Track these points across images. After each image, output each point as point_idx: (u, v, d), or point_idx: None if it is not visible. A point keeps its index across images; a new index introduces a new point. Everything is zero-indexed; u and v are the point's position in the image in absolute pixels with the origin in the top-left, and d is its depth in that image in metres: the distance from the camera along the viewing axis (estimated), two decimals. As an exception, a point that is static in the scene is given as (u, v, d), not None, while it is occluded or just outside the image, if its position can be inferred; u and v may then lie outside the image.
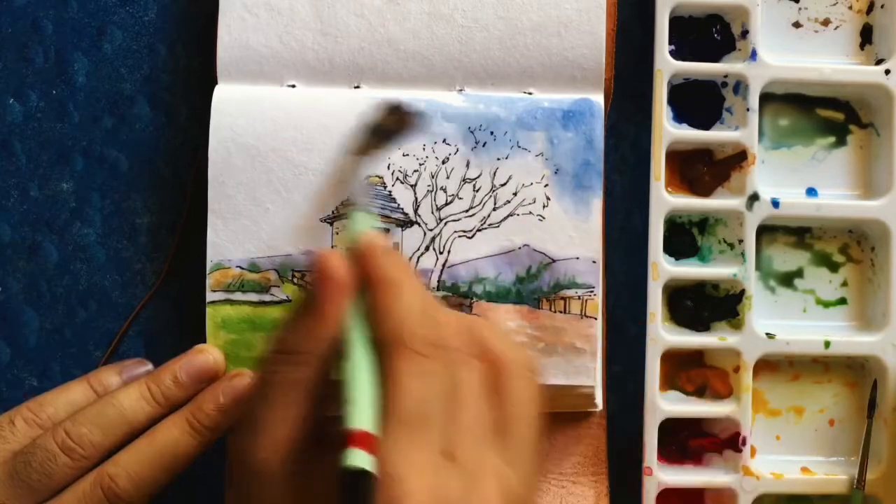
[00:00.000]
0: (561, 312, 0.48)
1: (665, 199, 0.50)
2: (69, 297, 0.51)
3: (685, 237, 0.52)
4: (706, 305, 0.51)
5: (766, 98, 0.51)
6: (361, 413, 0.36)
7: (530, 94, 0.49)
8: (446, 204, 0.48)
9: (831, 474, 0.51)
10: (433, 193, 0.48)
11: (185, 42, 0.52)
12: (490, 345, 0.39)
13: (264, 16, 0.49)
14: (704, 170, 0.51)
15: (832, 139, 0.52)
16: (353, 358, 0.38)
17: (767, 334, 0.50)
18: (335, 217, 0.48)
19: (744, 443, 0.50)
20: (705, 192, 0.51)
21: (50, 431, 0.44)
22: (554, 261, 0.48)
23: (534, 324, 0.48)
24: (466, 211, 0.48)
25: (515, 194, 0.48)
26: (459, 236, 0.48)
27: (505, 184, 0.48)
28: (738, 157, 0.51)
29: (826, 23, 0.52)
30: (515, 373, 0.39)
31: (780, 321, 0.52)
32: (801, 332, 0.51)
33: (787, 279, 0.52)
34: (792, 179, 0.52)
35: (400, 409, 0.36)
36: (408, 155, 0.48)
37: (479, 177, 0.48)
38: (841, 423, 0.52)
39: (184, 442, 0.44)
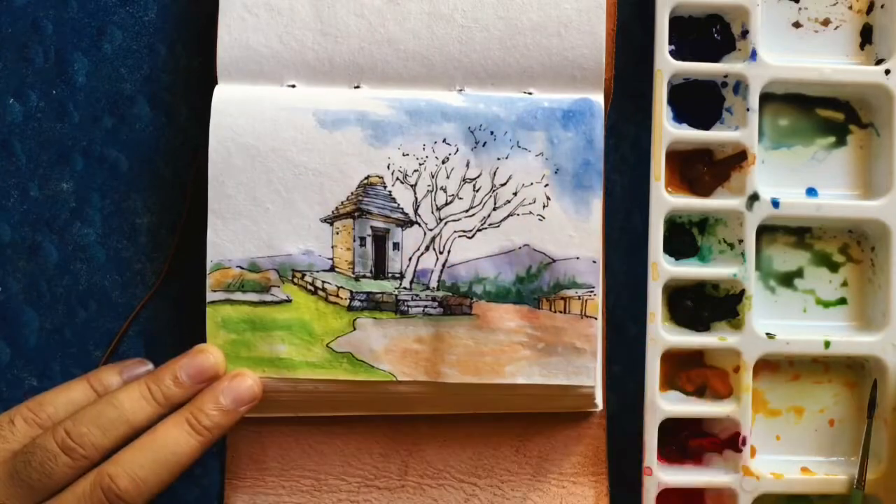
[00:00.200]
0: (561, 312, 0.48)
1: (665, 199, 0.50)
2: (69, 297, 0.51)
3: (685, 237, 0.52)
4: (706, 305, 0.51)
5: (766, 98, 0.51)
6: None
7: (530, 94, 0.49)
8: (446, 204, 0.48)
9: (831, 474, 0.51)
10: (433, 193, 0.48)
11: (185, 42, 0.52)
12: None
13: (264, 16, 0.49)
14: (704, 170, 0.51)
15: (832, 139, 0.52)
16: None
17: (767, 334, 0.50)
18: (335, 217, 0.48)
19: (744, 443, 0.50)
20: (705, 192, 0.51)
21: (50, 431, 0.44)
22: (554, 261, 0.48)
23: (534, 324, 0.48)
24: (466, 211, 0.48)
25: (515, 194, 0.48)
26: (459, 236, 0.48)
27: (505, 184, 0.48)
28: (738, 157, 0.51)
29: (826, 23, 0.52)
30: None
31: (780, 321, 0.52)
32: (801, 332, 0.51)
33: (787, 279, 0.52)
34: (792, 179, 0.52)
35: None
36: (408, 155, 0.48)
37: (479, 177, 0.48)
38: (841, 423, 0.52)
39: (184, 442, 0.44)
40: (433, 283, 0.48)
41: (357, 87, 0.49)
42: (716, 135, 0.51)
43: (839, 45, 0.52)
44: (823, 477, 0.51)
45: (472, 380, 0.48)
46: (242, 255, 0.48)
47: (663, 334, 0.50)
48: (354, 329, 0.48)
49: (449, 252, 0.48)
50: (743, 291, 0.50)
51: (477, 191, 0.48)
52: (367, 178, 0.48)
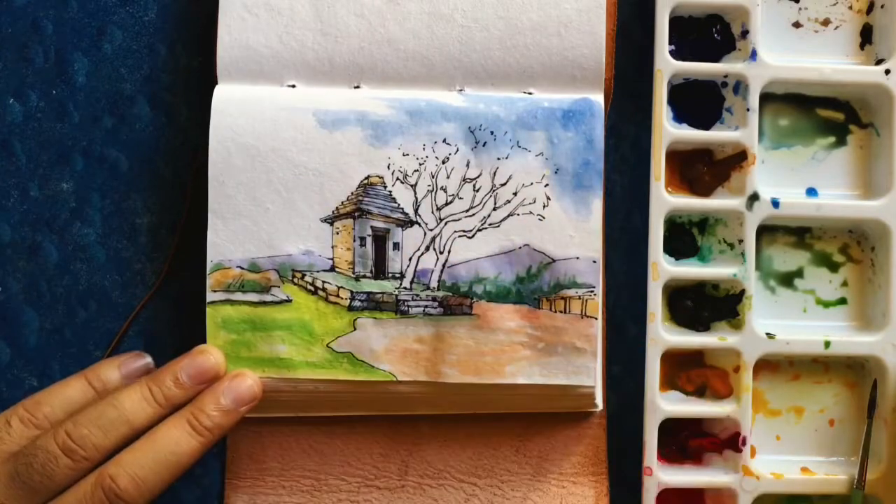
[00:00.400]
0: (561, 312, 0.48)
1: (665, 199, 0.50)
2: (69, 297, 0.51)
3: (685, 237, 0.52)
4: (706, 305, 0.51)
5: (766, 98, 0.51)
6: None
7: (530, 93, 0.49)
8: (446, 204, 0.48)
9: (831, 474, 0.51)
10: (433, 193, 0.48)
11: (185, 42, 0.52)
12: None
13: (264, 16, 0.49)
14: (704, 170, 0.51)
15: (832, 139, 0.52)
16: None
17: (767, 334, 0.50)
18: (335, 217, 0.48)
19: (744, 443, 0.50)
20: (705, 192, 0.51)
21: (51, 433, 0.44)
22: (554, 261, 0.48)
23: (534, 324, 0.48)
24: (466, 211, 0.48)
25: (515, 194, 0.48)
26: (459, 236, 0.48)
27: (505, 184, 0.48)
28: (738, 157, 0.51)
29: (826, 23, 0.52)
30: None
31: (780, 321, 0.52)
32: (801, 332, 0.51)
33: (787, 279, 0.52)
34: (792, 179, 0.52)
35: None
36: (408, 155, 0.48)
37: (479, 177, 0.48)
38: (841, 423, 0.52)
39: (184, 442, 0.44)
40: (433, 283, 0.48)
41: (357, 87, 0.49)
42: (716, 135, 0.51)
43: (839, 45, 0.52)
44: (823, 477, 0.51)
45: (473, 380, 0.48)
46: (242, 255, 0.48)
47: (663, 334, 0.50)
48: (355, 329, 0.48)
49: (449, 252, 0.48)
50: (743, 291, 0.50)
51: (477, 191, 0.48)
52: (367, 178, 0.48)
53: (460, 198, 0.48)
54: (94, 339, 0.51)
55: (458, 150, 0.48)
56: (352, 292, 0.48)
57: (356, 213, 0.48)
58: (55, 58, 0.51)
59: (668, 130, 0.50)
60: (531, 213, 0.48)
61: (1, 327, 0.51)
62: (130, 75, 0.51)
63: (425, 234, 0.48)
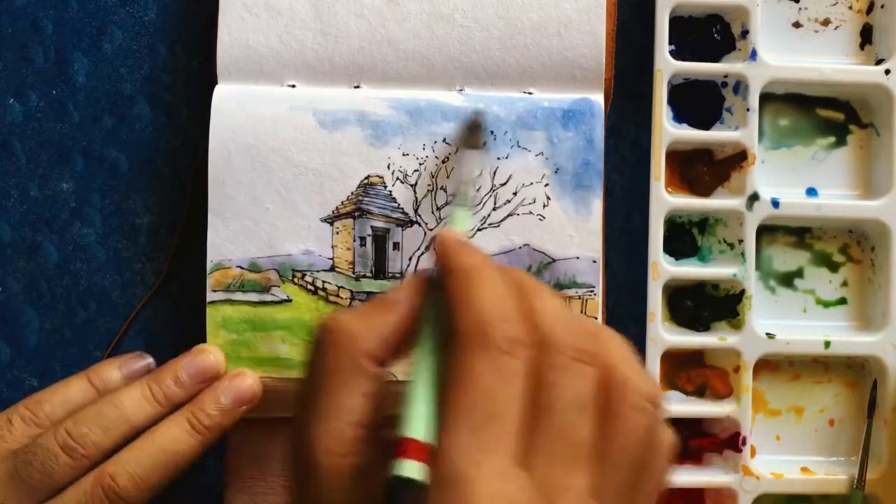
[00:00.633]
0: (561, 312, 0.48)
1: (665, 199, 0.50)
2: (69, 297, 0.51)
3: (685, 237, 0.52)
4: (706, 305, 0.51)
5: (766, 98, 0.51)
6: (418, 421, 0.33)
7: (530, 93, 0.49)
8: (446, 204, 0.48)
9: (831, 474, 0.51)
10: (433, 193, 0.48)
11: (185, 42, 0.52)
12: (611, 356, 0.33)
13: (264, 16, 0.49)
14: (704, 170, 0.51)
15: (832, 139, 0.52)
16: (420, 358, 0.35)
17: (767, 334, 0.50)
18: (335, 217, 0.48)
19: (744, 443, 0.50)
20: (705, 192, 0.51)
21: (51, 431, 0.44)
22: (554, 260, 0.48)
23: (534, 324, 0.48)
24: (466, 211, 0.48)
25: (515, 194, 0.48)
26: (459, 236, 0.48)
27: (505, 183, 0.48)
28: (738, 157, 0.51)
29: (826, 23, 0.52)
30: (634, 399, 0.33)
31: (780, 321, 0.52)
32: (801, 332, 0.51)
33: (787, 279, 0.52)
34: (792, 179, 0.52)
35: (465, 409, 0.31)
36: (408, 155, 0.48)
37: (478, 176, 0.48)
38: (841, 423, 0.52)
39: (184, 442, 0.44)
40: (433, 283, 0.48)
41: (357, 87, 0.49)
42: (716, 135, 0.51)
43: (839, 45, 0.52)
44: (823, 477, 0.51)
45: (473, 380, 0.48)
46: (242, 255, 0.48)
47: (663, 334, 0.50)
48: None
49: (449, 252, 0.48)
50: (743, 291, 0.50)
51: (477, 190, 0.48)
52: (367, 177, 0.48)
53: (460, 198, 0.48)
54: (94, 339, 0.51)
55: (458, 149, 0.48)
56: (352, 292, 0.48)
57: (356, 213, 0.48)
58: (55, 58, 0.51)
59: (668, 130, 0.50)
60: (531, 212, 0.48)
61: (1, 327, 0.51)
62: (130, 75, 0.51)
63: (425, 233, 0.48)
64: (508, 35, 0.49)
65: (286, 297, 0.48)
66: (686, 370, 0.51)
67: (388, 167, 0.48)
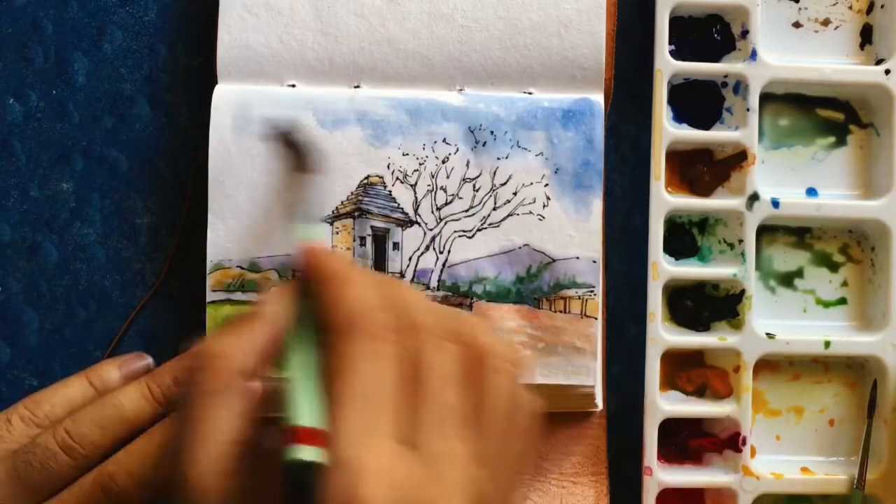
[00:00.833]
0: (561, 312, 0.48)
1: (665, 199, 0.50)
2: (69, 297, 0.51)
3: (685, 237, 0.52)
4: (706, 305, 0.51)
5: (766, 98, 0.51)
6: (304, 409, 0.35)
7: (530, 93, 0.49)
8: (446, 204, 0.48)
9: (831, 474, 0.51)
10: (433, 193, 0.48)
11: (185, 42, 0.52)
12: (471, 332, 0.36)
13: (264, 16, 0.49)
14: (704, 170, 0.51)
15: (832, 139, 0.52)
16: (294, 359, 0.37)
17: (767, 334, 0.50)
18: (335, 217, 0.48)
19: (744, 443, 0.50)
20: (705, 192, 0.51)
21: (50, 430, 0.44)
22: (554, 260, 0.48)
23: (534, 323, 0.48)
24: (466, 211, 0.48)
25: (515, 194, 0.48)
26: (459, 236, 0.48)
27: (505, 183, 0.48)
28: (738, 157, 0.51)
29: (826, 23, 0.52)
30: (496, 365, 0.36)
31: (780, 321, 0.52)
32: (801, 332, 0.51)
33: (787, 279, 0.52)
34: (792, 179, 0.52)
35: (350, 395, 0.34)
36: (408, 154, 0.48)
37: (479, 176, 0.48)
38: (841, 423, 0.52)
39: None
40: (433, 283, 0.48)
41: (357, 86, 0.49)
42: (716, 135, 0.51)
43: (839, 45, 0.52)
44: (823, 477, 0.51)
45: (472, 380, 0.48)
46: (242, 255, 0.48)
47: (663, 334, 0.50)
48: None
49: (449, 252, 0.48)
50: (743, 291, 0.50)
51: (477, 190, 0.48)
52: (367, 177, 0.48)
53: (460, 198, 0.48)
54: (94, 339, 0.51)
55: (457, 149, 0.48)
56: (352, 292, 0.48)
57: (356, 213, 0.48)
58: (55, 58, 0.51)
59: (668, 130, 0.50)
60: (531, 212, 0.48)
61: (1, 327, 0.51)
62: (130, 75, 0.51)
63: (425, 233, 0.48)
64: (508, 35, 0.49)
65: (286, 297, 0.48)
66: (686, 370, 0.51)
67: (388, 167, 0.48)
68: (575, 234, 0.48)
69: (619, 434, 0.51)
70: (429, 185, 0.48)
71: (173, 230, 0.51)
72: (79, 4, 0.51)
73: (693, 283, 0.51)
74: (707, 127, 0.51)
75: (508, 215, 0.48)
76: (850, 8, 0.52)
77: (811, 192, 0.52)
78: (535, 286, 0.48)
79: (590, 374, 0.48)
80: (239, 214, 0.48)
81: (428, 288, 0.48)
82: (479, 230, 0.48)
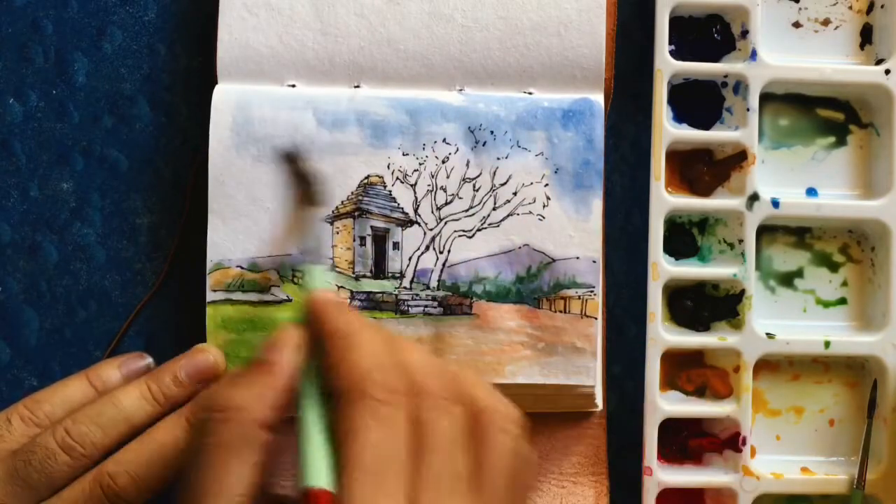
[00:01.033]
0: (561, 312, 0.48)
1: (665, 199, 0.50)
2: (69, 297, 0.51)
3: (685, 237, 0.52)
4: (706, 305, 0.51)
5: (766, 98, 0.51)
6: (316, 470, 0.35)
7: (530, 93, 0.49)
8: (446, 203, 0.48)
9: (831, 474, 0.51)
10: (433, 193, 0.48)
11: (185, 42, 0.52)
12: (473, 392, 0.37)
13: (264, 15, 0.49)
14: (704, 170, 0.51)
15: (832, 139, 0.52)
16: (306, 414, 0.37)
17: (767, 334, 0.50)
18: (335, 217, 0.48)
19: (744, 443, 0.50)
20: (705, 192, 0.51)
21: (50, 430, 0.44)
22: (554, 260, 0.48)
23: (534, 323, 0.48)
24: (466, 210, 0.48)
25: (515, 194, 0.48)
26: (459, 236, 0.48)
27: (505, 183, 0.48)
28: (738, 157, 0.51)
29: (826, 23, 0.52)
30: (498, 424, 0.37)
31: (780, 321, 0.52)
32: (801, 332, 0.51)
33: (787, 279, 0.52)
34: (792, 179, 0.52)
35: (359, 460, 0.34)
36: (408, 154, 0.48)
37: (479, 176, 0.48)
38: (841, 423, 0.52)
39: (184, 441, 0.44)
40: (433, 283, 0.48)
41: (357, 86, 0.49)
42: (716, 135, 0.51)
43: (839, 45, 0.52)
44: (823, 477, 0.51)
45: (472, 380, 0.48)
46: (242, 255, 0.48)
47: (663, 334, 0.50)
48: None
49: (449, 252, 0.48)
50: (743, 291, 0.50)
51: (477, 190, 0.48)
52: (367, 177, 0.48)
53: (460, 197, 0.48)
54: (94, 339, 0.51)
55: (457, 149, 0.48)
56: (352, 292, 0.48)
57: (356, 213, 0.48)
58: (55, 58, 0.51)
59: (668, 130, 0.50)
60: (531, 212, 0.48)
61: (1, 327, 0.51)
62: (130, 75, 0.51)
63: (425, 233, 0.48)
64: (508, 35, 0.49)
65: (286, 297, 0.48)
66: (686, 370, 0.51)
67: (388, 167, 0.48)
68: (575, 234, 0.48)
69: (619, 434, 0.51)
70: (429, 185, 0.48)
71: (173, 230, 0.51)
72: (79, 4, 0.51)
73: (693, 283, 0.51)
74: (707, 127, 0.51)
75: (508, 215, 0.48)
76: (850, 8, 0.52)
77: (811, 192, 0.52)
78: (535, 286, 0.48)
79: (590, 374, 0.48)
80: (239, 214, 0.48)
81: (428, 288, 0.48)
82: (479, 230, 0.48)
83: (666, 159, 0.50)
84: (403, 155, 0.48)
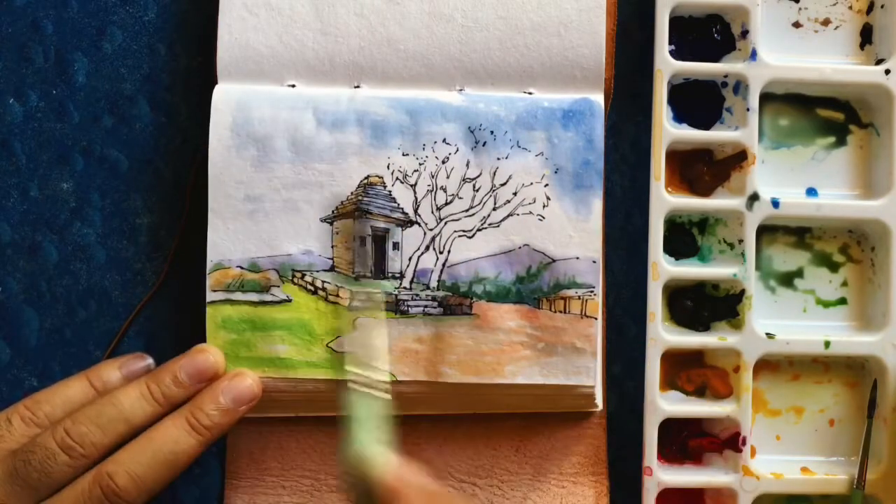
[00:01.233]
0: (561, 312, 0.48)
1: (665, 199, 0.50)
2: (69, 297, 0.51)
3: (685, 237, 0.52)
4: (706, 305, 0.51)
5: (766, 98, 0.51)
6: None
7: (530, 93, 0.49)
8: (446, 204, 0.48)
9: (831, 474, 0.51)
10: (433, 193, 0.48)
11: (185, 42, 0.52)
12: None
13: (264, 15, 0.49)
14: (704, 170, 0.51)
15: (832, 139, 0.52)
16: None
17: (767, 334, 0.50)
18: (335, 217, 0.48)
19: (744, 443, 0.50)
20: (705, 192, 0.51)
21: (50, 430, 0.44)
22: (554, 260, 0.48)
23: (534, 323, 0.48)
24: (466, 211, 0.48)
25: (515, 194, 0.48)
26: (459, 236, 0.48)
27: (505, 183, 0.48)
28: (738, 157, 0.51)
29: (826, 23, 0.52)
30: None
31: (780, 321, 0.52)
32: (801, 332, 0.51)
33: (787, 279, 0.52)
34: (792, 179, 0.52)
35: None
36: (408, 155, 0.48)
37: (479, 176, 0.48)
38: (841, 423, 0.52)
39: (183, 441, 0.44)
40: (433, 283, 0.48)
41: (357, 86, 0.49)
42: (716, 135, 0.51)
43: (839, 45, 0.52)
44: (823, 477, 0.51)
45: (473, 380, 0.48)
46: (242, 255, 0.48)
47: (663, 334, 0.50)
48: (354, 329, 0.48)
49: (449, 252, 0.48)
50: (743, 291, 0.50)
51: (477, 190, 0.48)
52: (367, 177, 0.48)
53: (460, 198, 0.48)
54: (94, 339, 0.51)
55: (457, 149, 0.48)
56: (352, 292, 0.48)
57: (356, 213, 0.48)
58: (55, 58, 0.51)
59: (668, 130, 0.50)
60: (531, 212, 0.48)
61: (1, 327, 0.51)
62: (130, 75, 0.51)
63: (425, 233, 0.48)
64: (508, 35, 0.49)
65: (286, 297, 0.48)
66: (686, 370, 0.51)
67: (388, 167, 0.48)
68: (575, 234, 0.48)
69: (619, 434, 0.51)
70: (429, 185, 0.48)
71: (173, 230, 0.51)
72: (79, 4, 0.51)
73: (693, 283, 0.51)
74: (707, 127, 0.51)
75: (508, 215, 0.48)
76: (850, 8, 0.52)
77: (811, 192, 0.52)
78: (535, 286, 0.48)
79: (590, 374, 0.48)
80: (239, 214, 0.48)
81: (427, 288, 0.48)
82: (479, 230, 0.48)
83: (666, 159, 0.50)
84: (403, 155, 0.48)
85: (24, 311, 0.51)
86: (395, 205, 0.48)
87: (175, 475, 0.44)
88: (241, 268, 0.48)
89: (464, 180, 0.48)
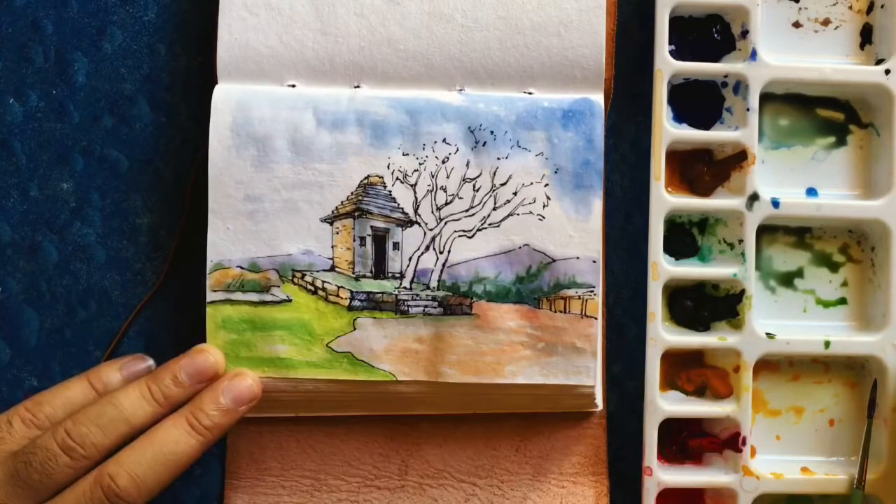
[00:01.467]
0: (561, 312, 0.48)
1: (665, 199, 0.50)
2: (69, 297, 0.51)
3: (685, 237, 0.52)
4: (706, 305, 0.51)
5: (766, 98, 0.51)
6: None
7: (530, 93, 0.49)
8: (446, 204, 0.48)
9: (831, 474, 0.51)
10: (433, 193, 0.48)
11: (185, 42, 0.52)
12: None
13: (264, 15, 0.49)
14: (704, 170, 0.51)
15: (832, 139, 0.52)
16: None
17: (767, 334, 0.50)
18: (335, 217, 0.48)
19: (744, 443, 0.50)
20: (705, 192, 0.51)
21: (50, 431, 0.44)
22: (554, 260, 0.48)
23: (534, 323, 0.48)
24: (466, 210, 0.48)
25: (515, 194, 0.48)
26: (459, 236, 0.48)
27: (505, 183, 0.48)
28: (738, 157, 0.51)
29: (826, 23, 0.52)
30: None
31: (780, 321, 0.52)
32: (801, 332, 0.51)
33: (787, 279, 0.52)
34: (792, 179, 0.52)
35: None
36: (408, 155, 0.48)
37: (479, 176, 0.48)
38: (841, 423, 0.52)
39: (184, 441, 0.44)
40: (433, 283, 0.48)
41: (357, 86, 0.49)
42: (716, 135, 0.51)
43: (839, 45, 0.52)
44: (823, 477, 0.51)
45: (473, 379, 0.48)
46: (242, 255, 0.48)
47: (663, 334, 0.50)
48: (354, 329, 0.48)
49: (449, 252, 0.48)
50: (743, 291, 0.50)
51: (477, 190, 0.48)
52: (367, 177, 0.48)
53: (460, 198, 0.48)
54: (94, 339, 0.51)
55: (457, 149, 0.48)
56: (352, 292, 0.48)
57: (356, 213, 0.48)
58: (55, 58, 0.51)
59: (668, 130, 0.50)
60: (531, 212, 0.48)
61: (1, 327, 0.51)
62: (130, 75, 0.51)
63: (425, 233, 0.48)
64: (508, 35, 0.49)
65: (286, 297, 0.48)
66: (686, 370, 0.51)
67: (388, 167, 0.48)
68: (575, 234, 0.48)
69: (619, 434, 0.51)
70: (429, 185, 0.48)
71: (173, 230, 0.51)
72: (79, 4, 0.51)
73: (693, 283, 0.51)
74: (707, 127, 0.51)
75: (508, 215, 0.48)
76: (850, 8, 0.52)
77: (811, 192, 0.52)
78: (535, 286, 0.48)
79: (590, 374, 0.48)
80: (239, 214, 0.48)
81: (428, 288, 0.48)
82: (479, 230, 0.48)
83: (666, 159, 0.50)
84: (403, 155, 0.48)
85: (24, 311, 0.51)
86: (395, 205, 0.48)
87: (176, 475, 0.44)
88: (241, 268, 0.48)
89: (464, 180, 0.48)
